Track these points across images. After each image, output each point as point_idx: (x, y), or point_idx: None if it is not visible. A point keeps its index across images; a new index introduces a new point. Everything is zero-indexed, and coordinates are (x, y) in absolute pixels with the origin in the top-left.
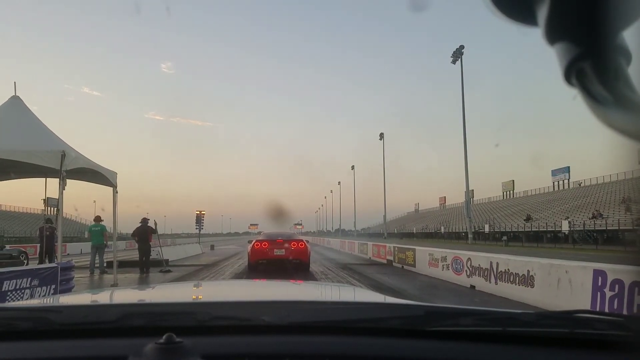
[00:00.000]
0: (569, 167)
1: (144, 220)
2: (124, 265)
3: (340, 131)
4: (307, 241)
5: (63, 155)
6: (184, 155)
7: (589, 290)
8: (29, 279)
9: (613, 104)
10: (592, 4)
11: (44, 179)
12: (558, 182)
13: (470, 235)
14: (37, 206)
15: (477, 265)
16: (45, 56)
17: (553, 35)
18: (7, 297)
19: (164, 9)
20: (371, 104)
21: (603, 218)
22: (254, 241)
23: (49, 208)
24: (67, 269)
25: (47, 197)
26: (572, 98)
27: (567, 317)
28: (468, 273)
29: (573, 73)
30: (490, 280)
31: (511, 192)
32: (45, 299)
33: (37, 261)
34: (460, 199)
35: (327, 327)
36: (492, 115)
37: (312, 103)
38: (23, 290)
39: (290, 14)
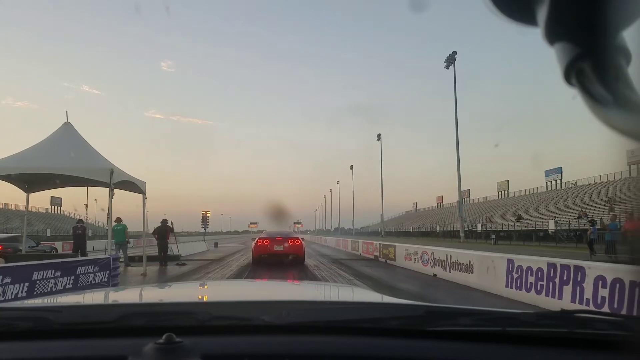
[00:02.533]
0: (561, 168)
1: (164, 221)
2: (153, 259)
3: (340, 131)
4: (303, 239)
5: (111, 172)
6: (183, 154)
7: (504, 273)
8: (93, 266)
9: (613, 104)
10: (592, 4)
11: (86, 187)
12: (551, 182)
13: (462, 234)
14: (42, 205)
15: (438, 258)
16: (44, 54)
17: (553, 35)
18: (80, 279)
19: (164, 8)
20: (371, 105)
21: (588, 218)
22: (257, 239)
23: (53, 207)
24: (115, 259)
25: (51, 197)
26: (572, 98)
27: (567, 317)
28: (432, 264)
29: (573, 73)
30: (446, 269)
31: (506, 191)
32: (45, 299)
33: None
34: (457, 198)
35: (327, 327)
36: (492, 115)
37: (311, 103)
38: (88, 275)
39: (290, 14)
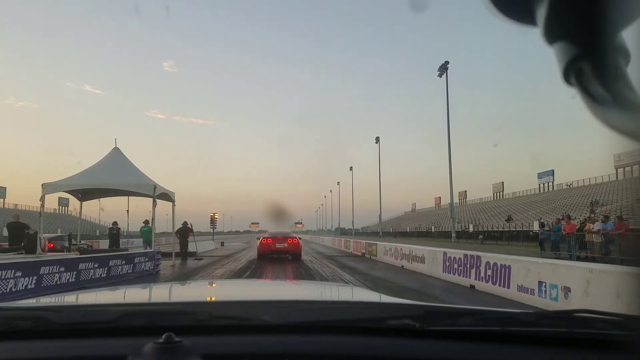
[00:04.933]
0: (553, 171)
1: (185, 223)
2: (169, 255)
3: (341, 133)
4: (300, 238)
5: (155, 187)
6: (185, 154)
7: (441, 262)
8: (144, 257)
9: (612, 104)
10: (592, 3)
11: (127, 197)
12: (543, 184)
13: (453, 234)
14: (50, 205)
15: (405, 253)
16: (46, 55)
17: (552, 35)
18: (136, 267)
19: (166, 7)
20: (373, 107)
21: (570, 219)
22: (261, 238)
23: (60, 207)
24: (158, 253)
25: (59, 197)
26: (571, 98)
27: (567, 317)
28: (400, 258)
29: (572, 73)
30: (410, 261)
31: (501, 193)
32: (45, 299)
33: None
34: (455, 199)
35: (327, 326)
36: (491, 115)
37: (312, 104)
38: (141, 263)
39: (292, 15)
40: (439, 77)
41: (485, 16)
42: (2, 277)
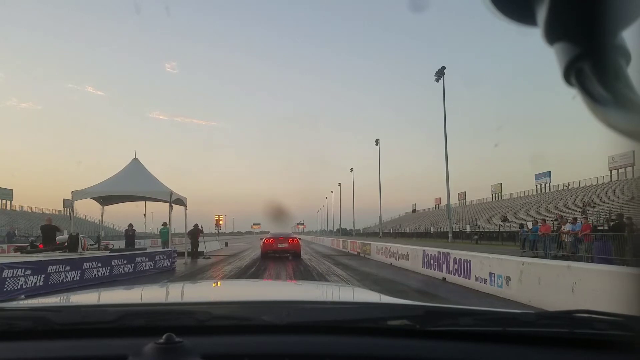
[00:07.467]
0: (549, 172)
1: (195, 225)
2: (181, 254)
3: (343, 133)
4: (300, 238)
5: (171, 194)
6: (186, 154)
7: (421, 259)
8: (163, 255)
9: (612, 104)
10: (592, 3)
11: (144, 202)
12: (540, 185)
13: (450, 235)
14: (56, 207)
15: (393, 252)
16: (48, 55)
17: (552, 35)
18: (157, 263)
19: (167, 9)
20: (374, 107)
21: (563, 219)
22: (264, 238)
23: (65, 209)
24: (174, 252)
25: (64, 199)
26: (572, 98)
27: (567, 317)
28: (389, 256)
29: (572, 73)
30: (397, 259)
31: (499, 194)
32: (46, 299)
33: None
34: (454, 200)
35: (327, 327)
36: (491, 116)
37: (313, 105)
38: (161, 260)
39: (294, 17)
40: (436, 82)
41: (485, 16)
42: (56, 271)
